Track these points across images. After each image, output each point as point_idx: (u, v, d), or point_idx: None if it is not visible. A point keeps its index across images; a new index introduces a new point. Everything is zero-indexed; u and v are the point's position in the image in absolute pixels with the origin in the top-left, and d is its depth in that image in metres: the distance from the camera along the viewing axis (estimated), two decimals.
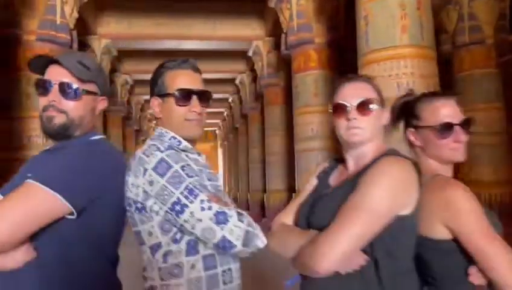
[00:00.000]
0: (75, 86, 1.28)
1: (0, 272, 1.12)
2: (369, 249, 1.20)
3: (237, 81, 15.99)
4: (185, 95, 1.35)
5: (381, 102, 1.36)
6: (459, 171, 9.58)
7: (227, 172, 24.42)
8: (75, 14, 8.60)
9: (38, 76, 1.28)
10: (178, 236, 1.22)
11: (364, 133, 1.32)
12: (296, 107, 9.20)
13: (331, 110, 1.37)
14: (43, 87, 1.27)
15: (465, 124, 1.40)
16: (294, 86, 9.21)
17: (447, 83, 10.60)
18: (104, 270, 1.20)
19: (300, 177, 8.95)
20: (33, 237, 1.11)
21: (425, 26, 5.45)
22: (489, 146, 8.86)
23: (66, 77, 1.24)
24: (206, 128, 28.89)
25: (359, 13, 5.76)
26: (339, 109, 1.33)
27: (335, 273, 1.16)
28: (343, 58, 8.73)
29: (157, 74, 1.38)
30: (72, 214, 1.16)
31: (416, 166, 1.26)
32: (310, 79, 8.91)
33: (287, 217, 1.36)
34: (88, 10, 10.12)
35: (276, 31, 10.53)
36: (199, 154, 1.37)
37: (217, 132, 28.37)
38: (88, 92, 1.31)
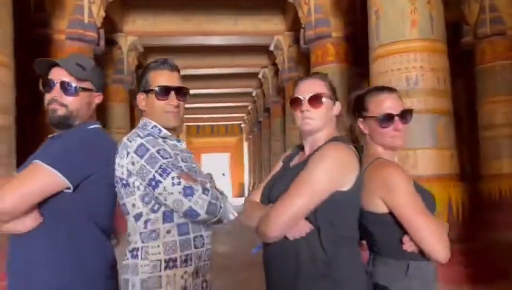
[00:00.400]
0: (73, 84, 1.55)
1: (13, 236, 1.42)
2: (313, 218, 1.42)
3: (260, 76, 16.21)
4: (164, 91, 1.58)
5: (333, 96, 1.57)
6: (481, 165, 9.50)
7: (252, 165, 24.72)
8: (102, 13, 9.01)
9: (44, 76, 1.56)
10: (156, 207, 1.48)
11: (315, 122, 1.52)
12: None
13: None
14: (48, 86, 1.55)
15: (404, 115, 1.59)
16: None
17: (468, 75, 10.51)
18: (98, 238, 1.48)
19: None
20: (39, 208, 1.39)
21: (435, 19, 5.53)
22: (510, 138, 8.79)
23: (65, 77, 1.52)
24: (231, 122, 29.35)
25: (370, 8, 5.88)
26: (295, 102, 1.55)
27: (285, 239, 1.39)
28: (360, 52, 8.81)
29: (142, 73, 1.64)
30: (69, 188, 1.43)
31: (357, 151, 1.47)
32: (327, 72, 9.02)
33: (255, 195, 1.60)
34: (114, 9, 10.55)
35: (296, 26, 10.66)
36: (178, 140, 1.63)
37: (242, 125, 28.68)
38: (84, 89, 1.57)
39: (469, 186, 10.04)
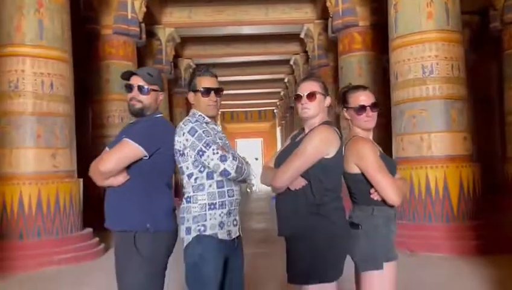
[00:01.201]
0: (146, 87, 2.19)
1: (109, 188, 2.13)
2: (307, 176, 2.00)
3: (291, 62, 16.66)
4: (207, 91, 2.22)
5: (324, 92, 2.15)
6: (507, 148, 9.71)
7: None
8: (143, 9, 9.78)
9: (126, 81, 2.23)
10: (202, 169, 2.12)
11: (310, 112, 2.10)
12: (341, 86, 9.79)
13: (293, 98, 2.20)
14: (129, 88, 2.22)
15: (374, 106, 2.16)
16: (340, 67, 9.80)
17: (496, 59, 10.63)
18: (165, 189, 2.16)
19: None
20: (127, 169, 2.07)
21: (451, 11, 5.92)
22: None
23: (141, 82, 2.18)
24: (264, 108, 29.95)
25: (390, 2, 6.31)
26: (297, 98, 2.15)
27: (288, 190, 2.02)
28: (386, 40, 9.16)
29: (192, 78, 2.28)
30: (146, 156, 2.09)
31: (339, 131, 2.06)
32: (354, 60, 9.44)
33: (270, 163, 2.23)
34: (154, 3, 11.30)
35: (325, 14, 11.02)
36: (216, 124, 2.27)
37: (275, 111, 29.25)
38: (153, 90, 2.23)
39: (496, 167, 10.30)
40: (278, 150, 2.27)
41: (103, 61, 9.40)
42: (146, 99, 2.19)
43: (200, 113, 2.22)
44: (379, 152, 2.11)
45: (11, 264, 5.28)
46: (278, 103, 26.31)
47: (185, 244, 2.12)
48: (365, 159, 2.02)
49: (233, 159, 2.08)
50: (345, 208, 2.06)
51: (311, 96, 2.08)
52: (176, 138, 2.14)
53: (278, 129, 29.09)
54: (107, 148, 2.23)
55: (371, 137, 2.18)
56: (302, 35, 13.40)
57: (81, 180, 6.44)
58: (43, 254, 5.56)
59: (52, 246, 5.70)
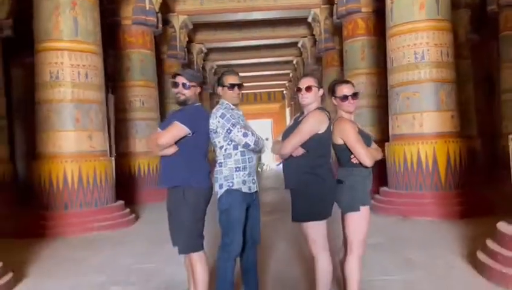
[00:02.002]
0: (187, 84, 2.96)
1: (163, 157, 2.95)
2: (305, 146, 2.76)
3: (299, 45, 17.24)
4: (232, 86, 2.99)
5: (318, 86, 2.89)
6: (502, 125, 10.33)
7: None
8: None
9: (171, 80, 3.01)
10: (229, 142, 2.89)
11: (308, 100, 2.84)
12: (346, 69, 10.47)
13: (295, 90, 2.95)
14: (175, 85, 3.00)
15: (354, 95, 2.90)
16: (345, 51, 10.43)
17: (497, 39, 11.12)
18: (203, 158, 2.96)
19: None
20: (176, 143, 2.88)
21: (441, 1, 6.56)
22: None
23: (184, 80, 2.96)
24: (273, 90, 30.59)
25: None
26: (298, 90, 2.90)
27: (291, 156, 2.80)
28: None
29: (221, 76, 3.06)
30: (189, 134, 2.88)
31: (328, 113, 2.82)
32: (357, 45, 10.06)
33: (279, 137, 3.01)
34: None
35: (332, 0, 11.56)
36: (239, 110, 3.05)
37: (284, 92, 29.87)
38: (192, 86, 3.00)
39: (496, 143, 10.93)
40: (285, 128, 3.06)
41: (124, 50, 10.18)
42: (187, 93, 2.98)
43: (227, 102, 3.02)
44: (358, 129, 2.87)
45: (59, 230, 6.21)
46: (287, 84, 26.91)
47: (218, 196, 2.94)
48: (347, 134, 2.80)
49: (252, 135, 2.88)
50: (333, 169, 2.85)
51: (308, 89, 2.85)
52: (211, 121, 2.95)
53: (288, 110, 29.73)
54: (158, 128, 3.04)
55: (352, 118, 2.94)
56: (309, 20, 13.97)
57: (113, 158, 7.32)
58: (84, 221, 6.48)
59: (91, 215, 6.61)
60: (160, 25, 10.80)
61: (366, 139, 2.87)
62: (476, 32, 11.99)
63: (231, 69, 3.11)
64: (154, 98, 10.47)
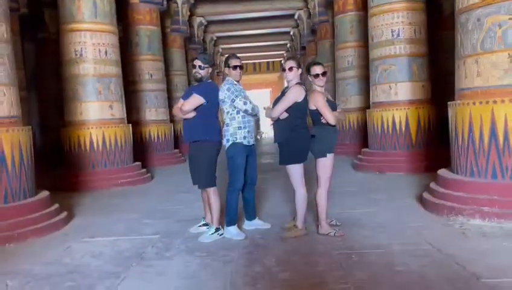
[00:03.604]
0: (202, 65, 4.00)
1: (185, 119, 4.03)
2: (288, 111, 3.81)
3: (296, 17, 18.02)
4: (235, 67, 4.03)
5: (298, 66, 3.92)
6: None
7: None
8: None
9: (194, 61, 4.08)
10: (233, 108, 3.94)
11: (290, 77, 3.85)
12: (336, 42, 11.42)
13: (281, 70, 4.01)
14: (194, 66, 4.05)
15: (324, 74, 3.94)
16: (335, 26, 11.35)
17: None
18: (215, 120, 4.03)
19: (339, 101, 11.39)
20: (195, 109, 3.94)
21: None
22: None
23: (200, 63, 3.99)
24: (272, 60, 31.35)
25: None
26: (283, 70, 3.94)
27: (278, 119, 3.87)
28: None
29: (227, 59, 4.09)
30: (205, 103, 3.94)
31: (304, 87, 3.88)
32: (347, 20, 10.98)
33: (270, 105, 4.08)
34: None
35: None
36: (239, 84, 4.11)
37: (282, 62, 30.67)
38: (206, 67, 4.03)
39: None
40: (276, 98, 4.17)
41: (132, 27, 11.10)
42: (202, 72, 4.06)
43: (231, 79, 4.09)
44: (326, 98, 3.96)
45: (88, 185, 7.38)
46: (284, 55, 27.66)
47: (226, 148, 4.06)
48: (318, 102, 3.88)
49: (250, 104, 3.98)
50: (308, 128, 3.97)
51: (291, 69, 3.92)
52: (220, 92, 4.04)
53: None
54: (181, 99, 4.13)
55: (323, 90, 4.02)
56: None
57: (130, 125, 8.42)
58: (109, 178, 7.64)
59: (115, 173, 7.77)
60: (165, 3, 11.65)
61: (332, 105, 3.96)
62: None
63: (234, 54, 4.17)
64: (161, 71, 11.47)
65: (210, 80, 4.19)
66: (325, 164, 3.92)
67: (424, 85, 7.67)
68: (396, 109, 7.57)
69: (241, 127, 4.04)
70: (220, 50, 24.90)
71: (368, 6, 8.02)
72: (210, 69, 4.14)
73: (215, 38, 21.69)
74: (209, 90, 4.04)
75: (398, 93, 7.61)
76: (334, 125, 3.93)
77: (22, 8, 11.39)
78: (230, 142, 4.03)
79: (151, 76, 11.22)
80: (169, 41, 14.39)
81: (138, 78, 11.21)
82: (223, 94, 4.03)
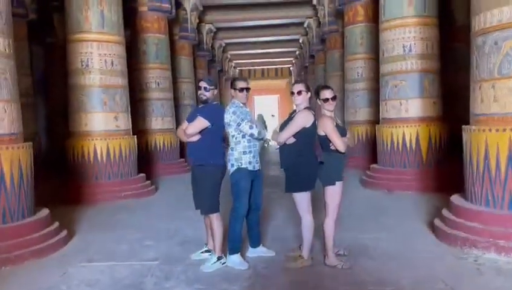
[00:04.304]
0: (208, 87, 3.87)
1: (189, 142, 3.89)
2: (296, 137, 3.66)
3: (305, 25, 17.87)
4: (242, 89, 3.89)
5: (307, 90, 3.78)
6: None
7: None
8: None
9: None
10: (239, 132, 3.79)
11: (298, 101, 3.71)
12: (346, 54, 11.25)
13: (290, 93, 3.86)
14: (199, 87, 3.92)
15: (333, 98, 3.78)
16: (345, 36, 11.19)
17: None
18: (220, 143, 3.90)
19: (347, 112, 11.21)
20: (200, 132, 3.81)
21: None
22: None
23: (205, 85, 3.85)
24: (280, 66, 31.22)
25: None
26: (292, 93, 3.80)
27: (285, 144, 3.72)
28: None
29: (233, 80, 3.95)
30: (210, 126, 3.80)
31: (313, 112, 3.73)
32: (357, 31, 10.80)
33: (277, 128, 3.93)
34: None
35: None
36: (246, 107, 3.97)
37: (291, 68, 30.52)
38: (211, 89, 3.90)
39: None
40: (283, 121, 4.03)
41: (140, 35, 11.02)
42: (208, 94, 3.92)
43: (237, 101, 3.95)
44: (335, 123, 3.80)
45: (91, 198, 7.27)
46: (293, 61, 27.54)
47: (230, 173, 3.91)
48: (327, 127, 3.72)
49: (256, 128, 3.83)
50: (316, 154, 3.81)
51: (299, 93, 3.77)
52: (225, 115, 3.90)
53: None
54: (186, 121, 3.99)
55: (332, 115, 3.86)
56: (314, 2, 14.61)
57: (135, 136, 8.31)
58: (113, 191, 7.52)
59: (118, 185, 7.66)
60: (174, 11, 11.57)
61: (341, 131, 3.80)
62: None
63: (241, 76, 4.04)
64: (168, 79, 11.38)
65: (216, 102, 4.05)
66: (333, 192, 3.76)
67: (436, 102, 7.47)
68: (407, 126, 7.38)
69: (246, 151, 3.89)
70: (229, 56, 24.83)
71: (379, 20, 7.85)
72: (216, 91, 4.00)
73: (223, 44, 21.62)
74: (214, 113, 3.90)
75: (409, 109, 7.42)
76: (342, 152, 3.77)
77: (30, 14, 11.38)
78: (235, 167, 3.88)
79: (158, 84, 11.13)
80: (178, 49, 14.31)
81: (145, 86, 11.12)
82: (228, 117, 3.89)
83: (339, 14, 13.20)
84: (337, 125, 3.80)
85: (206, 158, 3.85)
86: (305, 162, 3.74)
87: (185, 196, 6.67)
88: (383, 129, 7.74)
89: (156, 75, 11.09)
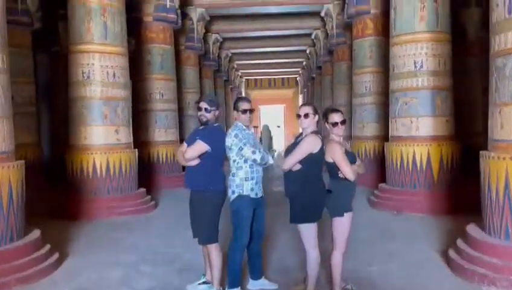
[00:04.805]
0: (208, 108, 3.64)
1: (188, 166, 3.65)
2: (302, 163, 3.42)
3: (313, 36, 17.68)
4: (245, 111, 3.66)
5: (315, 112, 3.53)
6: None
7: None
8: None
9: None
10: (241, 157, 3.56)
11: (305, 125, 3.47)
12: (354, 67, 11.00)
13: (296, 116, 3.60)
14: (199, 108, 3.68)
15: (343, 122, 3.53)
16: (353, 50, 10.95)
17: None
18: (219, 167, 3.66)
19: (354, 127, 10.93)
20: (199, 156, 3.58)
21: (441, 14, 7.07)
22: None
23: (205, 106, 3.64)
24: (287, 76, 31.04)
25: (391, 5, 7.47)
26: (298, 116, 3.55)
27: (290, 170, 3.47)
28: None
29: (236, 102, 3.72)
30: (209, 150, 3.56)
31: (321, 136, 3.47)
32: (366, 44, 10.55)
33: (282, 153, 3.64)
34: None
35: None
36: (249, 129, 3.73)
37: (298, 78, 30.32)
38: (212, 110, 3.66)
39: None
40: (287, 145, 3.78)
41: (145, 45, 10.85)
42: (208, 115, 3.68)
43: (240, 124, 3.71)
44: (345, 149, 3.54)
45: (88, 213, 7.03)
46: (300, 72, 27.34)
47: (231, 200, 3.66)
48: (336, 154, 3.46)
49: (259, 153, 3.58)
50: (323, 181, 3.55)
51: (306, 115, 3.52)
52: (227, 139, 3.65)
53: (300, 96, 30.21)
54: (185, 144, 3.75)
55: (341, 139, 3.61)
56: (322, 14, 14.40)
57: (136, 150, 8.08)
58: (111, 206, 7.28)
59: (117, 201, 7.42)
60: (180, 22, 11.38)
61: (351, 158, 3.54)
62: (486, 30, 12.28)
63: (245, 97, 3.80)
64: (172, 91, 11.17)
65: (217, 124, 3.81)
66: (341, 225, 3.49)
67: (448, 120, 7.18)
68: (417, 145, 7.09)
69: (248, 178, 3.64)
70: (235, 66, 24.70)
71: (390, 35, 7.60)
72: (217, 112, 3.76)
73: (230, 54, 21.48)
74: (215, 137, 3.66)
75: (420, 128, 7.13)
76: (351, 181, 3.51)
77: (35, 23, 11.25)
78: (236, 195, 3.63)
79: (162, 96, 10.93)
80: (183, 59, 14.15)
81: (149, 97, 10.92)
82: (230, 141, 3.64)
83: (347, 27, 12.98)
84: (346, 152, 3.54)
85: (205, 184, 3.60)
86: (312, 191, 3.48)
87: (186, 214, 6.30)
88: (393, 147, 7.46)
89: (160, 86, 10.90)
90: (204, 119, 3.69)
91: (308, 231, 3.48)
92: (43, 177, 11.24)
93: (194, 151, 3.59)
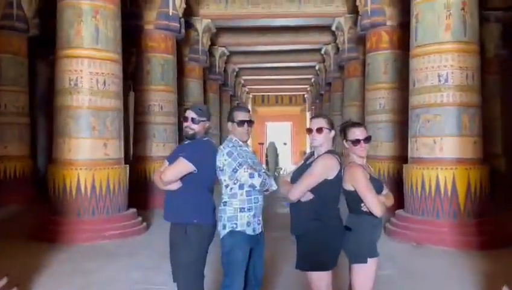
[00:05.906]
0: (196, 118, 2.90)
1: (167, 191, 2.88)
2: (314, 191, 2.67)
3: (322, 52, 17.03)
4: (241, 123, 2.91)
5: (330, 127, 2.78)
6: None
7: None
8: (183, 5, 10.43)
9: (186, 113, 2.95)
10: (235, 181, 2.80)
11: (318, 142, 2.73)
12: (367, 82, 10.25)
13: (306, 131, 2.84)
14: (186, 119, 2.94)
15: (366, 139, 2.77)
16: (367, 64, 10.21)
17: None
18: (208, 194, 2.90)
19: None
20: (181, 178, 2.81)
21: (469, 23, 6.32)
22: None
23: (193, 115, 2.90)
24: (295, 93, 30.41)
25: (412, 13, 6.75)
26: (309, 131, 2.79)
27: (299, 201, 2.70)
28: None
29: (231, 112, 2.97)
30: (195, 171, 2.81)
31: (339, 157, 2.71)
32: (380, 58, 9.82)
33: (287, 177, 2.91)
34: None
35: (356, 8, 11.21)
36: (247, 146, 2.97)
37: (305, 96, 29.65)
38: (201, 121, 2.93)
39: None
40: (295, 168, 2.98)
41: (145, 54, 10.20)
42: (196, 127, 2.93)
43: (236, 139, 2.94)
44: (369, 175, 2.76)
45: (71, 237, 6.26)
46: (308, 89, 26.68)
47: (221, 236, 2.87)
48: (358, 181, 2.68)
49: (259, 176, 2.79)
50: (340, 216, 2.75)
51: (320, 130, 2.75)
52: (218, 157, 2.88)
53: (308, 114, 29.50)
54: (166, 162, 2.99)
55: (364, 161, 2.83)
56: (333, 28, 13.75)
57: (127, 166, 7.33)
58: (96, 229, 6.51)
59: (103, 223, 6.64)
60: (183, 31, 10.76)
61: (377, 186, 2.75)
62: (506, 47, 11.62)
63: (242, 105, 3.15)
64: (172, 103, 10.46)
65: (206, 138, 3.04)
66: (363, 274, 2.68)
67: (476, 141, 6.37)
68: (441, 168, 6.26)
69: (244, 208, 2.85)
70: (242, 81, 24.10)
71: (410, 46, 6.85)
72: (207, 124, 3.00)
73: (237, 69, 20.89)
74: (202, 154, 2.90)
75: (444, 149, 6.32)
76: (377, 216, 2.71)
77: (31, 30, 10.73)
78: (227, 230, 2.84)
79: (162, 108, 10.22)
80: (187, 71, 13.55)
81: (147, 109, 10.21)
82: (221, 160, 2.87)
83: (359, 40, 12.32)
84: (371, 178, 2.76)
85: (187, 215, 2.83)
86: (326, 229, 2.68)
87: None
88: (412, 170, 6.63)
89: (160, 98, 10.19)
90: (191, 132, 2.94)
91: (320, 282, 2.67)
92: (36, 189, 10.60)
93: (174, 171, 2.83)
